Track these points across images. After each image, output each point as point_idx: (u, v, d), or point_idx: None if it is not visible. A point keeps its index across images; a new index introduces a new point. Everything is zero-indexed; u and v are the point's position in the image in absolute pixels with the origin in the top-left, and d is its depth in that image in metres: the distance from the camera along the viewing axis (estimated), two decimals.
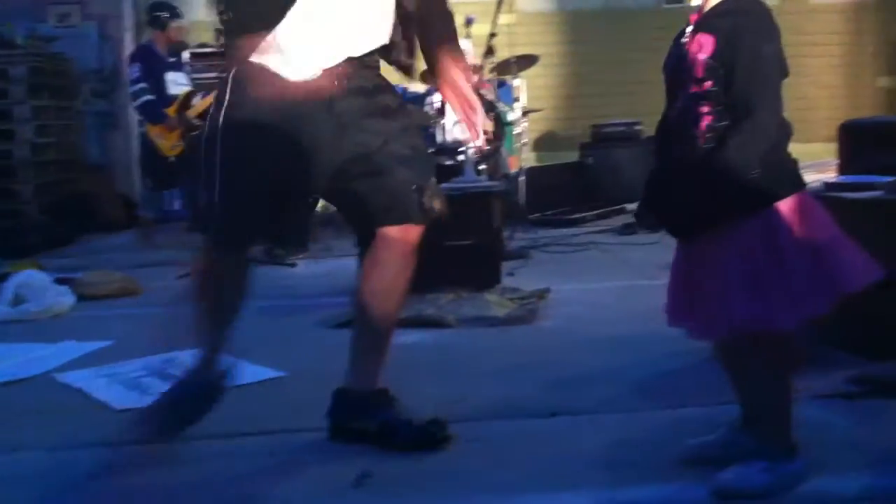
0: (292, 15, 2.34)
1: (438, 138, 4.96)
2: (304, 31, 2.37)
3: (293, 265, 5.75)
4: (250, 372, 3.17)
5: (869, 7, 10.21)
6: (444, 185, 4.82)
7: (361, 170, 2.47)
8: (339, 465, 2.40)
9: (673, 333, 2.34)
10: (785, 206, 2.06)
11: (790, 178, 2.12)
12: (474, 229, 4.57)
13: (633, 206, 7.21)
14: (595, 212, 7.43)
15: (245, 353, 2.96)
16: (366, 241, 2.57)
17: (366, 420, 2.54)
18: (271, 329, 3.94)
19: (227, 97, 2.41)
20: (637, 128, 8.20)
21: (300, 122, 2.39)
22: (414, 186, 2.48)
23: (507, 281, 4.73)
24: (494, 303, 4.20)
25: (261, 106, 2.37)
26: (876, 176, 3.12)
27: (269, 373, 3.31)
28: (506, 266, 4.96)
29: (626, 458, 2.36)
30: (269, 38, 2.35)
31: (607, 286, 4.64)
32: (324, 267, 5.68)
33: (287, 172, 2.43)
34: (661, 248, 5.59)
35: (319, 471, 2.42)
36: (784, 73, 2.10)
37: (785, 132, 2.11)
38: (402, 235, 2.52)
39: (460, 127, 4.57)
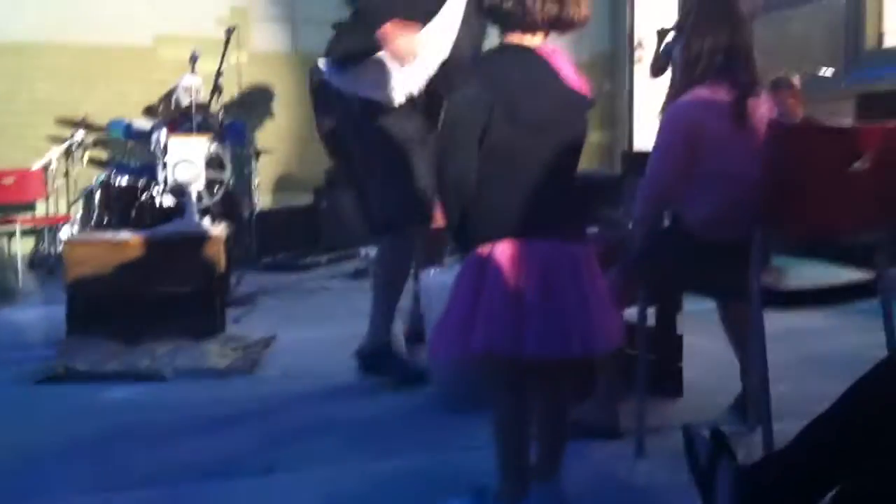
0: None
1: (159, 178, 4.70)
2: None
3: None
4: None
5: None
6: (164, 227, 4.60)
7: None
8: None
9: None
10: (497, 250, 2.06)
11: (499, 226, 2.09)
12: (196, 274, 4.37)
13: (365, 250, 7.30)
14: (327, 256, 7.36)
15: None
16: None
17: None
18: None
19: None
20: None
21: None
22: None
23: (231, 328, 4.56)
24: (215, 353, 4.01)
25: None
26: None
27: None
28: (231, 312, 4.78)
29: None
30: None
31: (334, 333, 4.56)
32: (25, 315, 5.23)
33: None
34: None
35: None
36: (517, 121, 2.08)
37: (505, 178, 2.10)
38: None
39: (182, 167, 4.36)
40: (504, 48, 2.17)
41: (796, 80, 5.98)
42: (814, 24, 7.66)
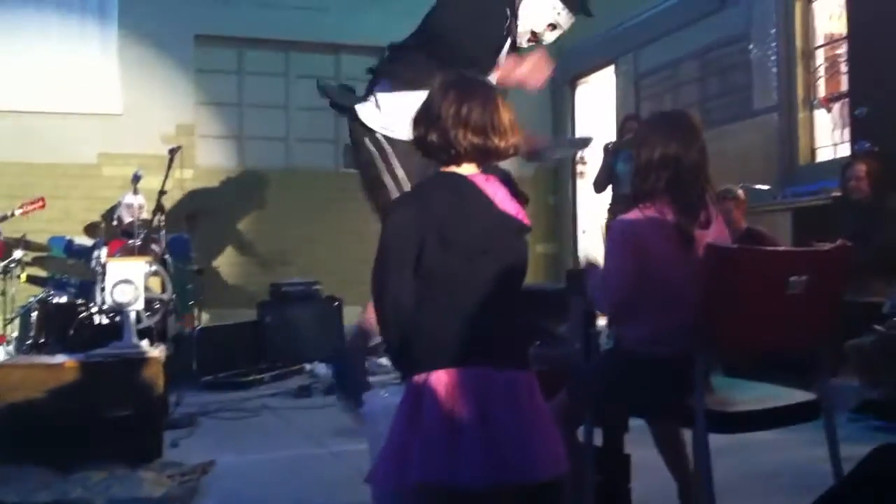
0: None
1: (97, 299, 4.61)
2: None
3: None
4: None
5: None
6: (101, 350, 4.48)
7: None
8: None
9: None
10: (433, 378, 2.04)
11: (435, 354, 2.07)
12: (133, 398, 4.24)
13: (311, 366, 7.19)
14: (271, 373, 7.22)
15: None
16: None
17: None
18: None
19: None
20: (315, 287, 8.18)
21: None
22: None
23: (169, 454, 4.39)
24: (150, 481, 3.85)
25: None
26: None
27: None
28: (169, 436, 4.63)
29: None
30: None
31: (276, 456, 4.43)
32: None
33: None
34: (336, 412, 5.54)
35: None
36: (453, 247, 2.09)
37: (441, 304, 2.09)
38: None
39: (120, 288, 4.27)
40: (438, 176, 2.20)
41: (741, 192, 6.15)
42: (750, 139, 7.91)
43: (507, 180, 2.27)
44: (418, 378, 2.06)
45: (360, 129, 3.57)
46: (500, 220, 2.15)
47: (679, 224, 2.54)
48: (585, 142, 5.24)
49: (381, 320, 2.17)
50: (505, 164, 2.43)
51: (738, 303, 2.34)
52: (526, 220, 2.21)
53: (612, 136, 8.55)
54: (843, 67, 7.03)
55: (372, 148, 3.52)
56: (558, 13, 3.40)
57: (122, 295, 4.29)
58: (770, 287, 2.36)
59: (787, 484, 3.65)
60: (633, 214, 2.60)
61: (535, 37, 3.47)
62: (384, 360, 6.84)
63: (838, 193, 5.87)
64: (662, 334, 2.56)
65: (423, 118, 2.18)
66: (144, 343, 4.51)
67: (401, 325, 2.11)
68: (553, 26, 3.44)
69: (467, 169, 2.18)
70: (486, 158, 2.18)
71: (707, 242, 2.46)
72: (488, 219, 2.13)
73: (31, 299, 6.51)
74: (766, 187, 7.10)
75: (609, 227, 2.77)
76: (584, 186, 10.29)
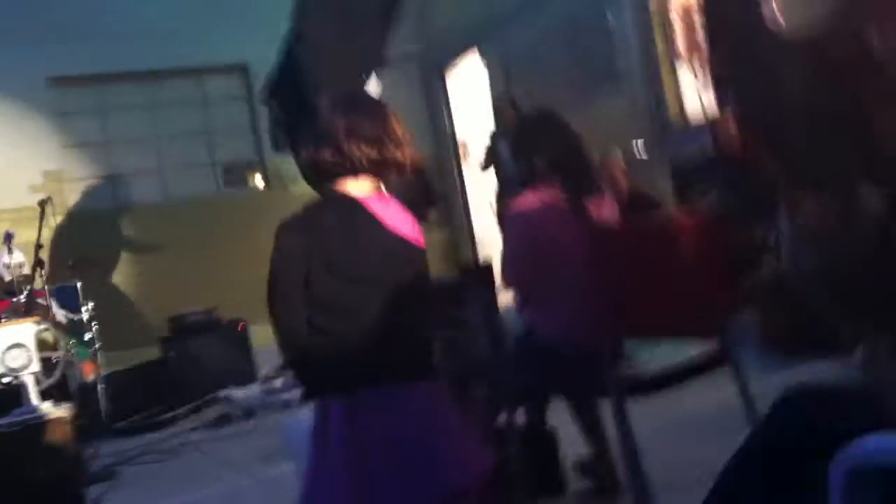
0: None
1: None
2: None
3: None
4: None
5: None
6: (3, 419, 4.31)
7: None
8: None
9: None
10: (333, 406, 2.04)
11: (330, 380, 2.06)
12: (46, 463, 4.10)
13: (224, 393, 7.06)
14: (186, 407, 7.07)
15: None
16: None
17: None
18: None
19: None
20: (215, 314, 8.04)
21: None
22: None
23: None
24: None
25: None
26: None
27: None
28: (90, 493, 4.49)
29: None
30: None
31: (207, 494, 4.36)
32: None
33: None
34: (259, 435, 5.46)
35: None
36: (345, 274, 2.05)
37: (334, 329, 2.06)
38: None
39: (12, 354, 4.13)
40: (326, 198, 2.13)
41: (618, 153, 6.29)
42: (619, 106, 8.08)
43: (420, 185, 2.24)
44: (320, 404, 2.05)
45: None
46: (391, 245, 2.09)
47: (571, 204, 2.60)
48: None
49: (278, 343, 2.11)
50: None
51: (634, 276, 2.39)
52: (420, 241, 2.16)
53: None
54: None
55: None
56: None
57: (14, 360, 4.15)
58: (659, 255, 2.42)
59: (699, 430, 3.74)
60: (524, 205, 2.64)
61: None
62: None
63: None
64: (569, 318, 2.60)
65: (311, 136, 2.10)
66: (48, 405, 4.37)
67: (293, 351, 2.09)
68: None
69: (364, 186, 2.11)
70: (385, 171, 2.11)
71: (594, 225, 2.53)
72: (379, 247, 2.08)
73: None
74: (640, 145, 7.27)
75: (504, 217, 2.80)
76: (469, 169, 10.38)
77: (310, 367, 2.08)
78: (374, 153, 2.06)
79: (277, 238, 2.07)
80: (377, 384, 2.02)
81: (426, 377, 2.12)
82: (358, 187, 2.11)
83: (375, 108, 2.13)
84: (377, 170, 2.09)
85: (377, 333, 2.03)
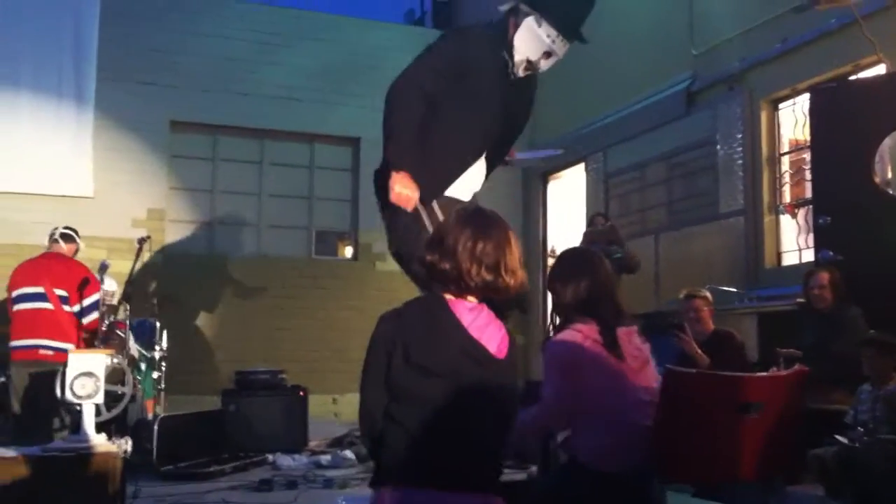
0: None
1: (57, 391, 4.53)
2: None
3: None
4: None
5: None
6: (56, 443, 4.39)
7: None
8: None
9: None
10: (387, 495, 2.11)
11: (393, 468, 2.14)
12: (87, 494, 4.14)
13: (273, 457, 7.07)
14: (233, 464, 7.08)
15: None
16: None
17: None
18: None
19: None
20: (281, 376, 8.09)
21: None
22: None
23: None
24: None
25: None
26: None
27: None
28: None
29: None
30: None
31: None
32: None
33: None
34: None
35: None
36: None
37: (402, 419, 2.13)
38: None
39: (80, 382, 4.22)
40: (421, 296, 2.31)
41: (708, 294, 6.22)
42: (716, 242, 8.02)
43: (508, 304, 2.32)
44: (379, 492, 2.11)
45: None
46: (468, 346, 2.17)
47: (603, 331, 2.65)
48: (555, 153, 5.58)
49: (360, 425, 2.27)
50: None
51: (696, 429, 2.35)
52: (502, 353, 2.22)
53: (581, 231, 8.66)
54: (808, 174, 7.18)
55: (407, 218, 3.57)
56: (552, 41, 3.49)
57: (82, 388, 4.23)
58: (727, 412, 2.37)
59: None
60: (563, 334, 2.71)
61: (531, 65, 3.56)
62: (349, 454, 6.77)
63: (802, 300, 5.93)
64: (608, 445, 2.60)
65: (437, 246, 2.23)
66: (102, 437, 4.43)
67: (371, 434, 2.19)
68: (548, 54, 3.53)
69: (470, 300, 2.23)
70: (491, 293, 2.23)
71: (667, 367, 2.52)
72: (454, 344, 2.16)
73: None
74: (732, 289, 7.18)
75: (545, 348, 2.82)
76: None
77: (381, 451, 2.17)
78: (490, 278, 2.19)
79: (377, 326, 2.22)
80: (433, 484, 2.08)
81: (487, 490, 2.15)
82: (467, 300, 2.23)
83: (499, 235, 2.23)
84: (487, 293, 2.23)
85: (444, 430, 2.10)
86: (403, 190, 3.38)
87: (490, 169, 3.82)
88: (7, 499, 4.07)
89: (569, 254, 3.02)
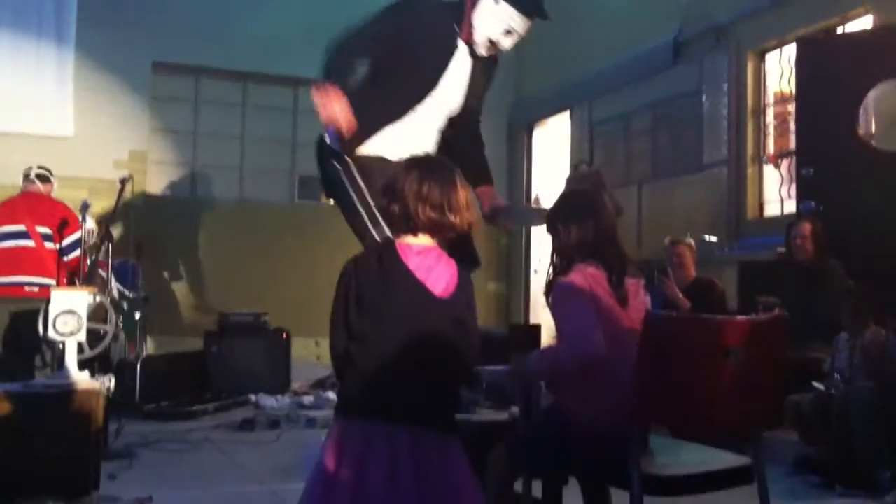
0: None
1: (39, 328, 4.54)
2: None
3: None
4: None
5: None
6: (38, 381, 4.40)
7: None
8: None
9: None
10: (336, 427, 2.31)
11: (345, 403, 2.38)
12: (70, 432, 4.15)
13: (256, 398, 7.13)
14: (215, 403, 7.13)
15: None
16: None
17: None
18: None
19: None
20: (264, 319, 8.12)
21: None
22: None
23: (107, 486, 4.31)
24: None
25: None
26: None
27: None
28: (108, 467, 4.54)
29: None
30: None
31: (214, 493, 4.38)
32: None
33: None
34: (280, 448, 5.49)
35: None
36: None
37: (355, 358, 2.31)
38: None
39: (63, 319, 4.21)
40: (376, 244, 2.51)
41: (691, 240, 6.27)
42: (699, 192, 8.05)
43: (462, 242, 2.39)
44: (333, 424, 2.32)
45: (326, 154, 3.63)
46: (413, 288, 2.33)
47: (610, 278, 2.63)
48: (540, 215, 5.21)
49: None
50: None
51: (676, 373, 2.38)
52: (448, 293, 2.35)
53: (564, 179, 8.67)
54: (793, 126, 7.20)
55: (341, 174, 3.53)
56: (513, 19, 3.45)
57: (64, 325, 4.23)
58: (709, 357, 2.40)
59: None
60: (573, 274, 2.65)
61: (493, 45, 3.51)
62: (331, 395, 6.83)
63: (783, 250, 5.99)
64: (601, 409, 2.57)
65: (389, 191, 2.39)
66: (85, 374, 4.44)
67: (337, 375, 2.40)
68: (509, 32, 3.48)
69: (420, 240, 2.38)
70: (442, 231, 2.38)
71: (648, 311, 2.51)
72: (401, 286, 2.32)
73: None
74: (713, 238, 7.23)
75: (554, 288, 2.74)
76: (537, 227, 10.38)
77: (341, 385, 2.40)
78: (435, 216, 2.35)
79: (340, 271, 2.37)
80: (378, 417, 2.25)
81: (440, 427, 2.30)
82: (417, 240, 2.38)
83: (444, 176, 2.39)
84: (436, 230, 2.38)
85: (391, 368, 2.26)
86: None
87: (452, 151, 3.61)
88: None
89: (572, 193, 3.00)
